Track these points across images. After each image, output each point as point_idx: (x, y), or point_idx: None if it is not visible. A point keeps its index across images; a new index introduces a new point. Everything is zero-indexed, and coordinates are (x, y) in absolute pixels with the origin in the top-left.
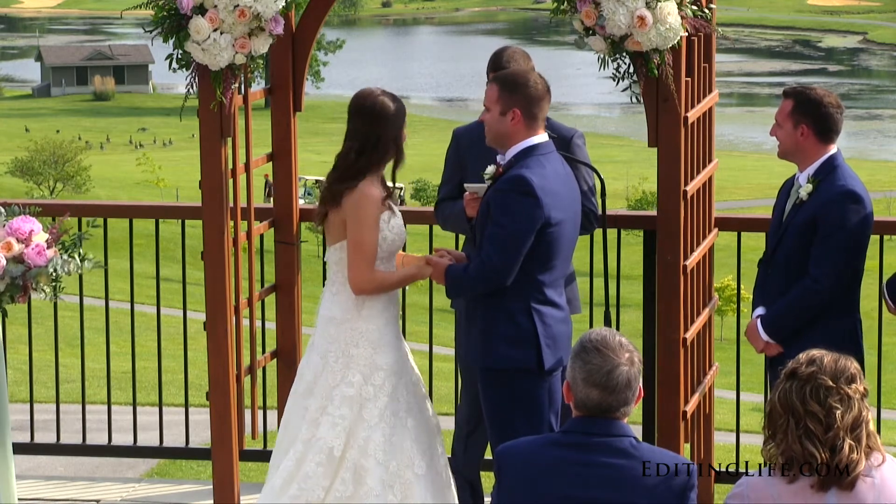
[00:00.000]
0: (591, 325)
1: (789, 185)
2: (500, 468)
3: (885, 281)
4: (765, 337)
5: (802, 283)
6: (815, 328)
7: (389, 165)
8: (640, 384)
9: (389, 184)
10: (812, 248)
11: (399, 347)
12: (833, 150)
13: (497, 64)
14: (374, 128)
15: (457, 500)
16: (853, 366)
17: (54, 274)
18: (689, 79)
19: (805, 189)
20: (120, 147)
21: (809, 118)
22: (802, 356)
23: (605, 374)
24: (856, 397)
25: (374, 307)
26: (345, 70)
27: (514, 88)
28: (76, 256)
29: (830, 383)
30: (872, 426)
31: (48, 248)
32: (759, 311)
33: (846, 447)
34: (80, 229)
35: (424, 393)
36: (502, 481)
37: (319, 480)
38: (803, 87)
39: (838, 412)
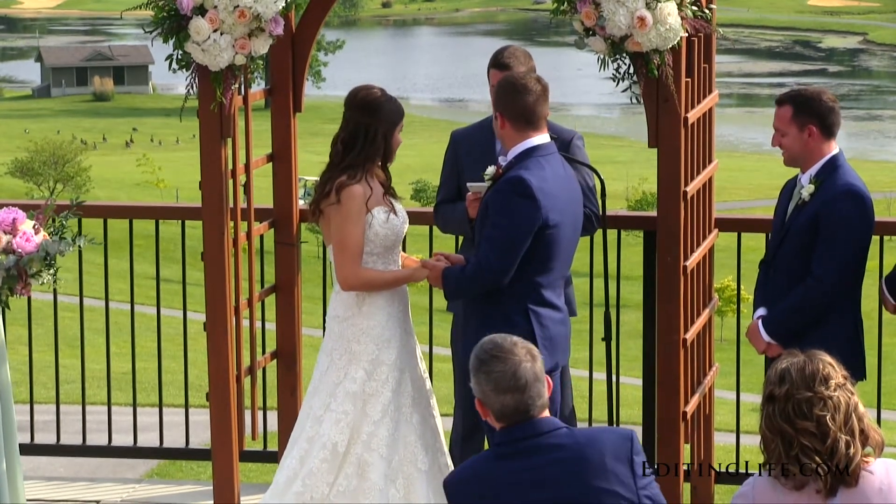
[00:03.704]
0: (591, 326)
1: (791, 186)
2: (451, 499)
3: (883, 278)
4: (766, 338)
5: (805, 283)
6: (816, 329)
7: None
8: (547, 375)
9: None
10: (814, 247)
11: (405, 342)
12: (835, 149)
13: (497, 61)
14: (363, 118)
15: None
16: (823, 362)
17: (47, 258)
18: (689, 79)
19: (807, 190)
20: (119, 148)
21: (815, 117)
22: (771, 374)
23: (511, 376)
24: (836, 393)
25: (375, 303)
26: (345, 70)
27: (498, 94)
28: (68, 237)
29: (808, 394)
30: (861, 407)
31: (36, 234)
32: (761, 311)
33: (842, 445)
34: (80, 230)
35: (430, 389)
36: None
37: (324, 476)
38: (796, 91)
39: (828, 417)
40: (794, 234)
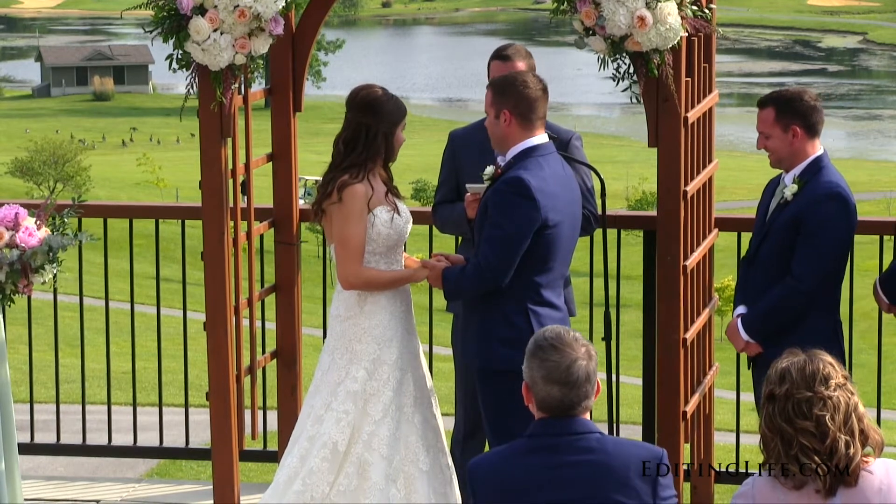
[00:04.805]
0: (591, 326)
1: (774, 184)
2: (473, 484)
3: (877, 279)
4: (745, 336)
5: (784, 282)
6: (795, 328)
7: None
8: (598, 379)
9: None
10: (795, 247)
11: (407, 342)
12: (820, 150)
13: (499, 53)
14: (364, 118)
15: (459, 498)
16: (823, 362)
17: (50, 252)
18: (689, 79)
19: (790, 189)
20: (118, 148)
21: (798, 117)
22: (772, 373)
23: (565, 369)
24: (836, 393)
25: (377, 303)
26: (345, 70)
27: (503, 90)
28: (69, 232)
29: (808, 393)
30: (861, 408)
31: (38, 229)
32: (740, 310)
33: (842, 445)
34: (80, 229)
35: (432, 389)
36: (478, 497)
37: (324, 476)
38: (777, 92)
39: (827, 417)
40: (775, 232)
